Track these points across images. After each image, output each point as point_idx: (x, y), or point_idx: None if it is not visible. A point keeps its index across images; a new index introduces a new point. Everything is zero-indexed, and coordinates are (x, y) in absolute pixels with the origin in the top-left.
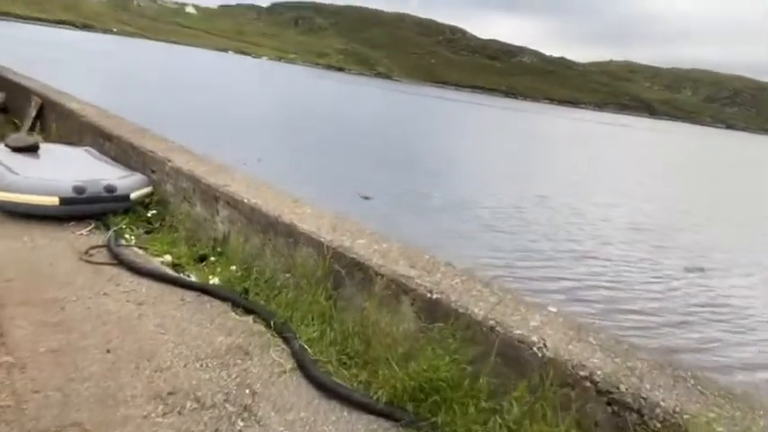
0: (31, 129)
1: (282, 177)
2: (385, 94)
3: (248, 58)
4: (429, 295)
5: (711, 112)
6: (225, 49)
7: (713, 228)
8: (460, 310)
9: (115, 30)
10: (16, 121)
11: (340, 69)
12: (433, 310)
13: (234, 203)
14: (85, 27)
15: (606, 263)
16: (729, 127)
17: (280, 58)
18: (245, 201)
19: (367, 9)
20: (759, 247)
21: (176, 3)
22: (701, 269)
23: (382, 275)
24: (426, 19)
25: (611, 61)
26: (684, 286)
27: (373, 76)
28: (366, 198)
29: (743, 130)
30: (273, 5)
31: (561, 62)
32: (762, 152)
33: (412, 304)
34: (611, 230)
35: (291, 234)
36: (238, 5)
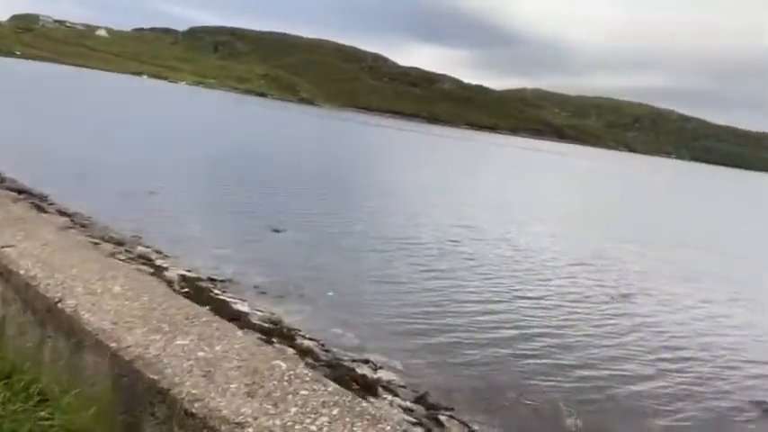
0: None
1: (191, 208)
2: (307, 119)
3: (165, 82)
4: None
5: (614, 136)
6: (139, 73)
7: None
8: None
9: (18, 52)
10: None
11: (262, 95)
12: None
13: (8, 274)
14: None
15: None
16: (631, 150)
17: (199, 83)
18: (22, 272)
19: (287, 35)
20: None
21: (86, 25)
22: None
23: (194, 416)
24: (348, 46)
25: (524, 89)
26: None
27: (297, 101)
28: (277, 231)
29: (642, 153)
30: (191, 30)
31: (479, 89)
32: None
33: None
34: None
35: (73, 330)
36: (154, 29)
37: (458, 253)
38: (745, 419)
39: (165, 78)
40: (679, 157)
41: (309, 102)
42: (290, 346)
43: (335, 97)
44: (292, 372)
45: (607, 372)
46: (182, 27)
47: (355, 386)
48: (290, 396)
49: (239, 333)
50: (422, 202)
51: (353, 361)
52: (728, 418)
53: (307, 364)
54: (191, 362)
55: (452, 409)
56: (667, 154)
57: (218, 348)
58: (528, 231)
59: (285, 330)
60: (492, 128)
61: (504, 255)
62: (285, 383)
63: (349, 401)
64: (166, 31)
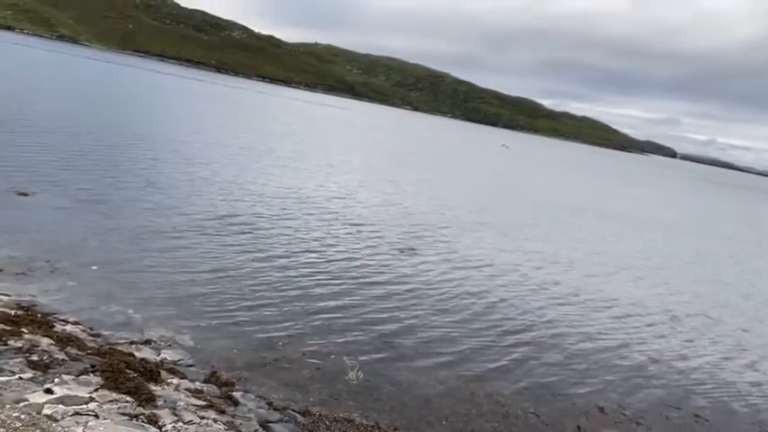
0: None
1: None
2: (73, 60)
3: None
4: None
5: (401, 95)
6: None
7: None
8: None
9: None
10: None
11: (9, 28)
12: None
13: None
14: None
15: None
16: (415, 109)
17: None
18: None
19: None
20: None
21: None
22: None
23: None
24: None
25: (316, 44)
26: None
27: (54, 38)
28: (24, 195)
29: (424, 111)
30: None
31: (271, 41)
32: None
33: None
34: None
35: None
36: None
37: (240, 209)
38: (509, 343)
39: None
40: (454, 116)
41: (72, 40)
42: (46, 336)
43: (107, 37)
44: None
45: (391, 324)
46: None
47: (132, 374)
48: None
49: None
50: (203, 155)
51: (131, 343)
52: (497, 346)
53: (69, 356)
54: None
55: (246, 382)
56: (444, 113)
57: None
58: (318, 185)
59: (39, 316)
60: (285, 81)
61: (290, 209)
62: None
63: None
64: None
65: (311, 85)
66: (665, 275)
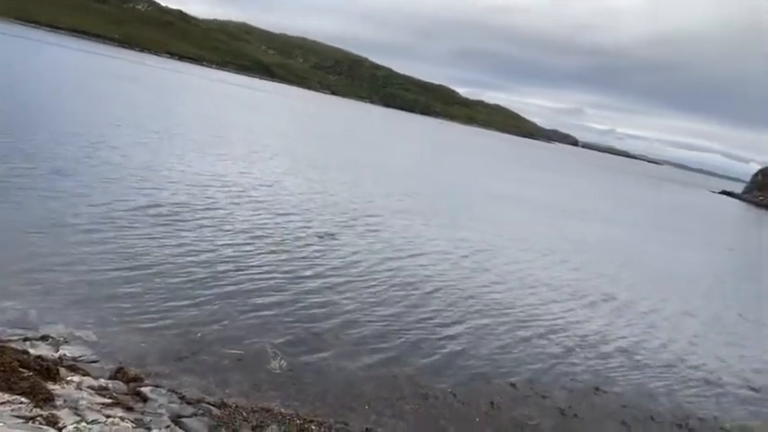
0: None
1: None
2: None
3: None
4: None
5: (319, 78)
6: None
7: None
8: None
9: None
10: None
11: None
12: None
13: None
14: None
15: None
16: (333, 93)
17: None
18: None
19: None
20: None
21: None
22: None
23: None
24: None
25: (229, 21)
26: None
27: None
28: None
29: (343, 96)
30: None
31: (180, 15)
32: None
33: None
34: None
35: None
36: None
37: (158, 198)
38: (430, 327)
39: None
40: (372, 101)
41: None
42: None
43: None
44: None
45: (315, 313)
46: None
47: (27, 373)
48: None
49: None
50: (113, 139)
51: (25, 340)
52: (418, 331)
53: None
54: None
55: (158, 377)
56: (362, 98)
57: None
58: (241, 171)
59: None
60: (197, 60)
61: (213, 198)
62: None
63: None
64: None
65: (223, 65)
66: (581, 259)
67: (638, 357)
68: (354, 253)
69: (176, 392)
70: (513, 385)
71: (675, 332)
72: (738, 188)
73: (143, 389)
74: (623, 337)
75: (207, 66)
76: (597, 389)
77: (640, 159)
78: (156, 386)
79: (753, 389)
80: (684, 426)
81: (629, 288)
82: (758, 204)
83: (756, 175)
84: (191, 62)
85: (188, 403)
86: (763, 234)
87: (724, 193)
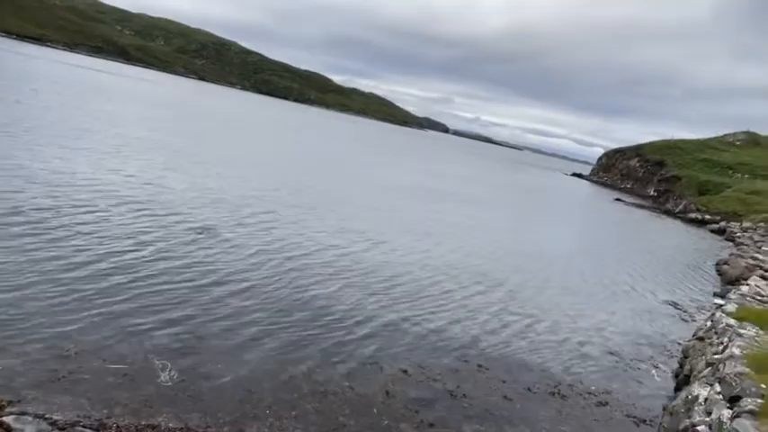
0: None
1: None
2: None
3: None
4: None
5: (183, 62)
6: None
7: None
8: None
9: None
10: None
11: None
12: None
13: None
14: None
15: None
16: (201, 78)
17: None
18: None
19: None
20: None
21: None
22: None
23: None
24: None
25: None
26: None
27: None
28: None
29: (211, 81)
30: None
31: None
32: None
33: None
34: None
35: None
36: None
37: (18, 203)
38: (321, 325)
39: None
40: (243, 87)
41: None
42: None
43: None
44: None
45: (204, 320)
46: None
47: None
48: None
49: None
50: None
51: None
52: (309, 329)
53: None
54: None
55: (26, 403)
56: (232, 84)
57: None
58: (112, 169)
59: None
60: (39, 39)
61: (84, 200)
62: None
63: None
64: None
65: (72, 46)
66: (473, 242)
67: (515, 335)
68: (248, 253)
69: (46, 418)
70: (405, 372)
71: (548, 309)
72: (586, 170)
73: (5, 418)
74: (497, 315)
75: (52, 46)
76: (480, 366)
77: (503, 145)
78: (23, 413)
79: (612, 353)
80: (557, 393)
81: (513, 270)
82: (603, 184)
83: (601, 158)
84: (31, 42)
85: (60, 429)
86: (613, 211)
87: (575, 175)
